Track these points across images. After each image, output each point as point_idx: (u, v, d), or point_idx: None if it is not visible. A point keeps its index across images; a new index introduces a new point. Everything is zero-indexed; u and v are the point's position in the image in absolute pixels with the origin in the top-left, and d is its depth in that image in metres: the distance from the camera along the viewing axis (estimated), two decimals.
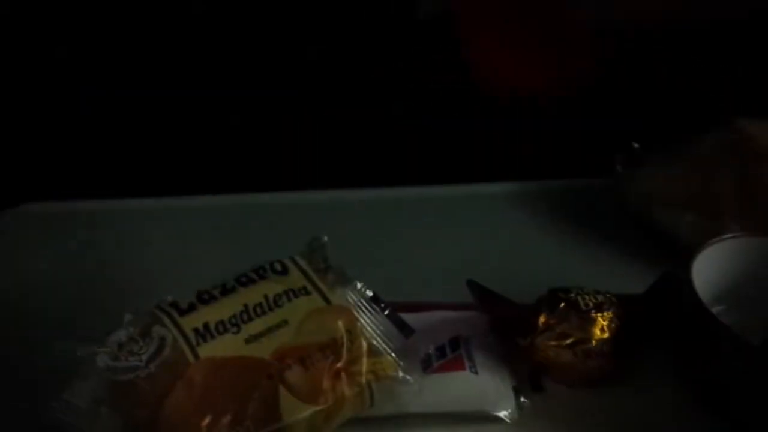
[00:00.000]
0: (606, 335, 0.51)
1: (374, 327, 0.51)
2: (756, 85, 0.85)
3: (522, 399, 0.52)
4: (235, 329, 0.48)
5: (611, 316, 0.51)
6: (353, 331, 0.50)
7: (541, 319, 0.51)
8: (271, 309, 0.50)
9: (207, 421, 0.45)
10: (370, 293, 0.54)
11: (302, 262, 0.53)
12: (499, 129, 0.92)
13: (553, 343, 0.51)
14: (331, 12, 0.87)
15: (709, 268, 0.54)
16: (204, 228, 0.70)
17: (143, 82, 0.92)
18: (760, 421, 0.50)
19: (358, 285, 0.54)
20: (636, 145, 0.74)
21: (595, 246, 0.70)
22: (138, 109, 0.93)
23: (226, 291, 0.50)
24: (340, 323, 0.49)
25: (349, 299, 0.53)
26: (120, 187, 0.77)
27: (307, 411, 0.47)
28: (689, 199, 0.67)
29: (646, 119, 0.85)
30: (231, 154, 0.93)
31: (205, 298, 0.49)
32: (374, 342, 0.50)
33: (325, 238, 0.55)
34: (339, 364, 0.48)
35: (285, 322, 0.49)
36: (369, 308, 0.53)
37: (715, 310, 0.53)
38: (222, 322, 0.48)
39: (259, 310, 0.49)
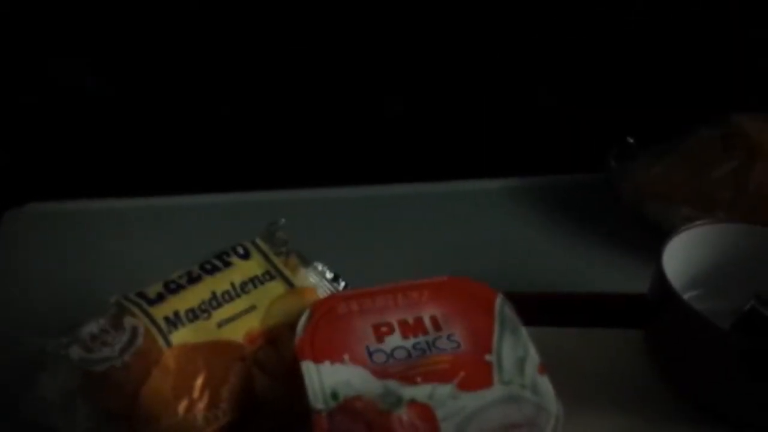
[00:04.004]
0: None
1: None
2: (750, 81, 0.88)
3: None
4: (205, 315, 0.49)
5: None
6: None
7: None
8: (238, 295, 0.51)
9: (183, 405, 0.47)
10: (330, 274, 0.56)
11: (263, 246, 0.55)
12: (490, 124, 0.93)
13: None
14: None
15: (681, 255, 0.56)
16: (209, 226, 0.71)
17: (147, 78, 0.90)
18: (731, 404, 0.52)
19: (319, 266, 0.56)
20: (630, 140, 0.76)
21: (589, 241, 0.72)
22: (142, 106, 0.91)
23: (192, 279, 0.51)
24: (305, 304, 0.51)
25: (312, 280, 0.55)
26: (126, 186, 0.77)
27: (280, 390, 0.49)
28: (683, 193, 0.69)
29: (640, 113, 0.87)
30: (233, 151, 0.92)
31: (172, 288, 0.50)
32: None
33: (282, 221, 0.57)
34: None
35: (253, 307, 0.51)
36: (331, 289, 0.56)
37: (686, 296, 0.56)
38: (192, 309, 0.49)
39: (227, 297, 0.51)
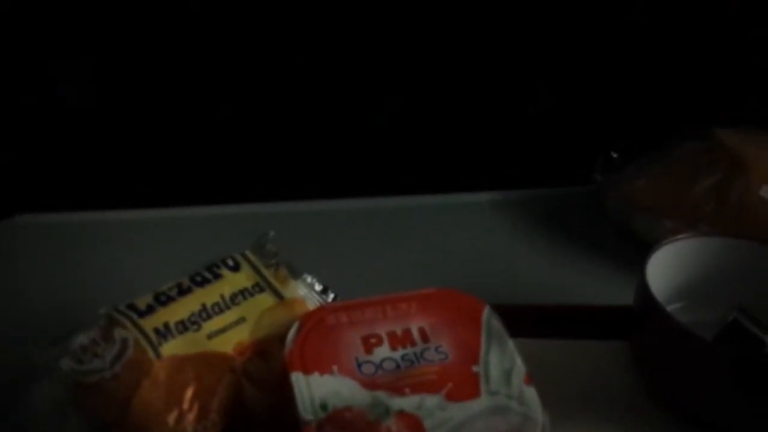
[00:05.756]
0: None
1: None
2: (733, 95, 0.89)
3: None
4: (195, 327, 0.50)
5: None
6: None
7: None
8: (228, 307, 0.51)
9: (173, 417, 0.47)
10: (319, 286, 0.57)
11: (253, 258, 0.55)
12: (477, 137, 0.94)
13: None
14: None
15: (664, 268, 0.57)
16: (199, 238, 0.72)
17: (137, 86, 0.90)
18: (715, 414, 0.53)
19: (308, 278, 0.57)
20: (614, 154, 0.77)
21: (575, 253, 0.73)
22: (131, 119, 0.91)
23: (182, 291, 0.51)
24: (295, 315, 0.51)
25: (301, 292, 0.55)
26: (116, 197, 0.77)
27: (269, 401, 0.49)
28: (667, 206, 0.70)
29: (625, 127, 0.87)
30: (220, 163, 0.92)
31: (162, 299, 0.51)
32: None
33: (272, 233, 0.57)
34: None
35: (243, 319, 0.51)
36: (320, 300, 0.56)
37: (670, 308, 0.56)
38: (182, 321, 0.50)
39: (217, 309, 0.51)
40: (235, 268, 0.54)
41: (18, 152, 0.90)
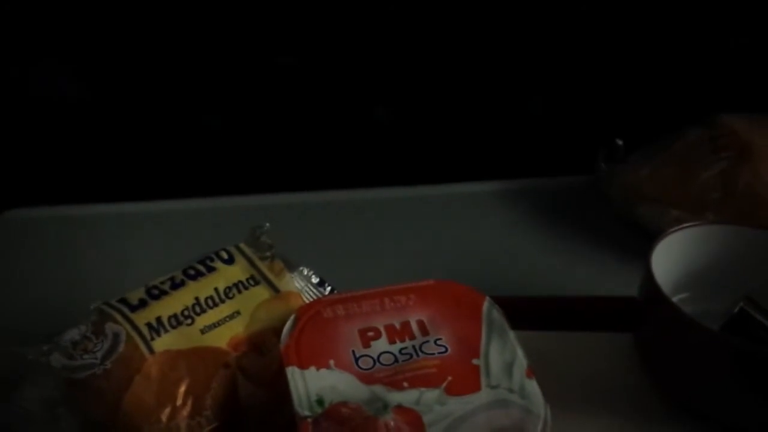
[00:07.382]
0: None
1: None
2: (739, 81, 0.88)
3: None
4: (189, 321, 0.49)
5: None
6: None
7: None
8: (222, 301, 0.50)
9: (166, 413, 0.46)
10: (316, 279, 0.56)
11: (248, 250, 0.54)
12: (478, 126, 0.93)
13: None
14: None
15: (670, 257, 0.56)
16: (192, 231, 0.71)
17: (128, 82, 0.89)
18: (721, 407, 0.52)
19: (305, 271, 0.56)
20: (619, 142, 0.76)
21: (578, 243, 0.71)
22: (124, 110, 0.90)
23: (175, 285, 0.50)
24: (291, 309, 0.50)
25: (297, 284, 0.54)
26: (108, 190, 0.76)
27: (265, 396, 0.48)
28: (673, 195, 0.69)
29: (629, 115, 0.86)
30: (214, 155, 0.92)
31: (155, 293, 0.50)
32: None
33: (267, 225, 0.56)
34: None
35: (237, 313, 0.50)
36: (316, 293, 0.55)
37: (676, 298, 0.55)
38: (175, 315, 0.49)
39: (210, 302, 0.50)
40: (230, 260, 0.53)
41: (8, 147, 0.90)
